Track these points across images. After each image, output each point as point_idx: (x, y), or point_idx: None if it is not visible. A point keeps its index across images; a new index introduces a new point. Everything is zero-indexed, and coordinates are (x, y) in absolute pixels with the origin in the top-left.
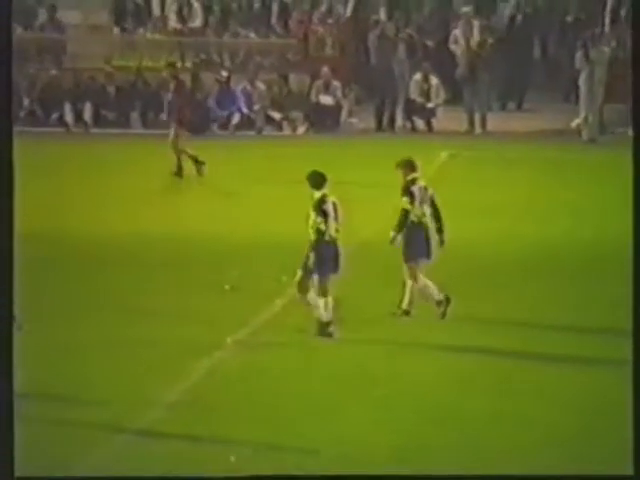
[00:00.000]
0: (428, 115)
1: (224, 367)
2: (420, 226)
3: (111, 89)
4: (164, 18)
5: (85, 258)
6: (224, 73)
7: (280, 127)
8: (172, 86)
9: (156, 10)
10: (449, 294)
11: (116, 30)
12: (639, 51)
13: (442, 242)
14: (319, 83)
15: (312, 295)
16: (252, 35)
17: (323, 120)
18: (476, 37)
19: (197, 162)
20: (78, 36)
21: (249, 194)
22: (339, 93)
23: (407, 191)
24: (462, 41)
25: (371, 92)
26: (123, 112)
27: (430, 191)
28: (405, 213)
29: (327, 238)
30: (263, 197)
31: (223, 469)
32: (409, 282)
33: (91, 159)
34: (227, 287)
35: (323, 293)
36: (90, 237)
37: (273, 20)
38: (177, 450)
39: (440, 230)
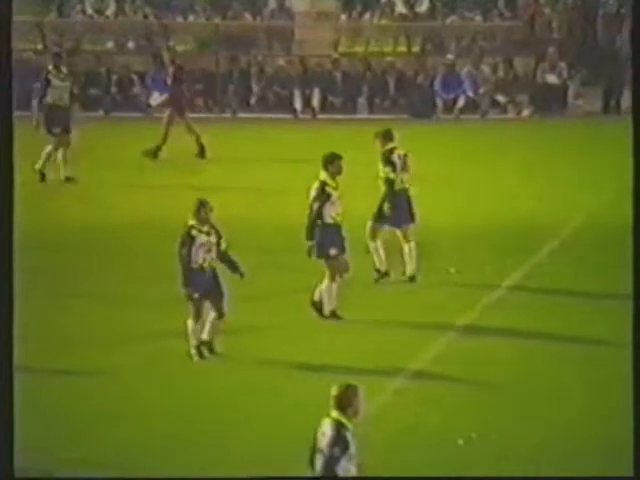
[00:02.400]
0: None
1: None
2: (403, 193)
3: (338, 75)
4: (391, 3)
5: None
6: (450, 56)
7: (505, 110)
8: (171, 71)
9: None
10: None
11: (343, 16)
12: (638, 46)
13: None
14: (545, 65)
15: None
16: (478, 18)
17: (549, 102)
18: None
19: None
20: (306, 23)
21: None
22: (565, 74)
23: (388, 161)
24: None
25: (597, 73)
26: (350, 98)
27: (410, 159)
28: (389, 182)
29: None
30: (473, 182)
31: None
32: (406, 246)
33: (319, 145)
34: (452, 270)
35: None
36: None
37: (500, 3)
38: None
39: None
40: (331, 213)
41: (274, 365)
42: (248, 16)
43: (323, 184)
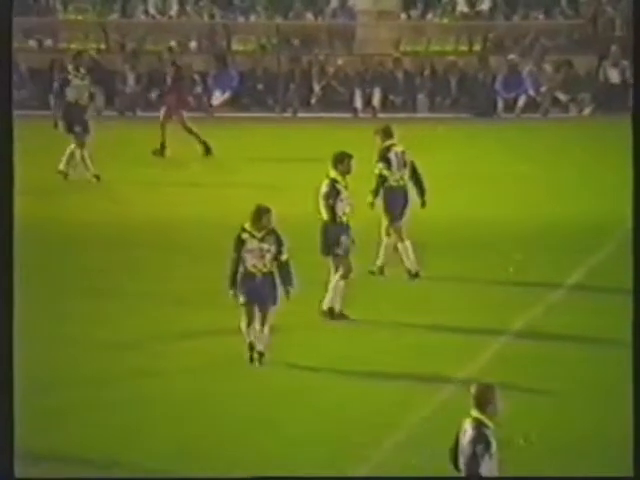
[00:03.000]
0: None
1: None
2: (400, 190)
3: (399, 74)
4: (453, 2)
5: None
6: (512, 56)
7: (566, 109)
8: (171, 71)
9: None
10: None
11: (404, 15)
12: (639, 45)
13: (423, 203)
14: (607, 63)
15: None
16: (540, 17)
17: (610, 101)
18: None
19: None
20: (368, 22)
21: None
22: (628, 73)
23: (383, 157)
24: None
25: None
26: (410, 97)
27: (409, 156)
28: (380, 179)
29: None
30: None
31: None
32: (400, 245)
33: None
34: (511, 270)
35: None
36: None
37: (563, 2)
38: None
39: (421, 193)
40: (342, 211)
41: (310, 368)
42: (310, 16)
43: (333, 181)
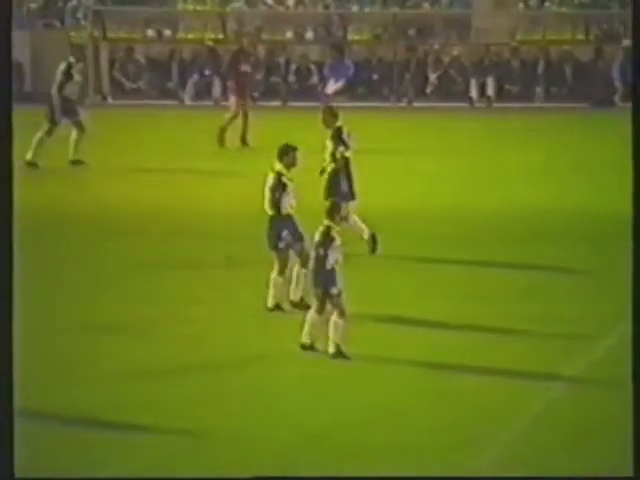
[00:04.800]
0: None
1: None
2: (348, 170)
3: (515, 63)
4: None
5: None
6: (627, 42)
7: None
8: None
9: None
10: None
11: (521, 5)
12: (639, 44)
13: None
14: None
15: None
16: None
17: None
18: None
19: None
20: (484, 11)
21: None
22: None
23: (340, 139)
24: None
25: None
26: (526, 86)
27: (352, 136)
28: (346, 160)
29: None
30: None
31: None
32: (351, 219)
33: (494, 133)
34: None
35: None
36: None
37: None
38: None
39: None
40: (287, 204)
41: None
42: (426, 5)
43: (279, 174)
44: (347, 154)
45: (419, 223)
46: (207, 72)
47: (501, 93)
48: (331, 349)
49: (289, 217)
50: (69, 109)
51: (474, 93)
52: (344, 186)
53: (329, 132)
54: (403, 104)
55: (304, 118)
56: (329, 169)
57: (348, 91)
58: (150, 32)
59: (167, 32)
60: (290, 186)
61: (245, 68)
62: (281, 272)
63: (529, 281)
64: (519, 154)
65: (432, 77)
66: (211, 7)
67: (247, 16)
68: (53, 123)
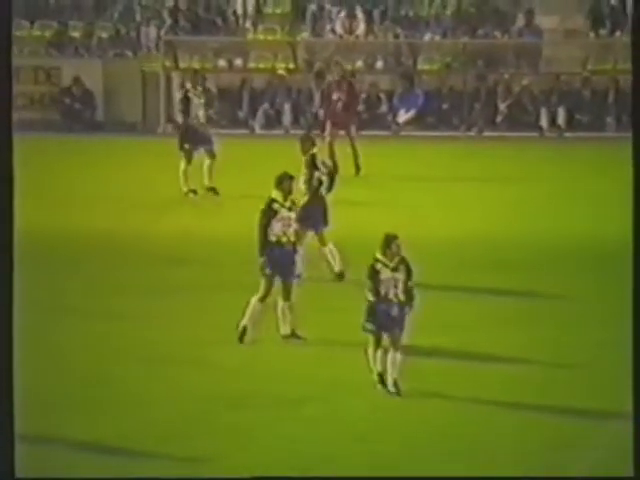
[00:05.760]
0: None
1: None
2: (322, 198)
3: (586, 93)
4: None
5: None
6: None
7: None
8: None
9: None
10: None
11: (592, 34)
12: (639, 52)
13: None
14: None
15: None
16: None
17: None
18: None
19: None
20: (555, 41)
21: None
22: None
23: (315, 165)
24: None
25: None
26: (597, 116)
27: (327, 161)
28: (320, 184)
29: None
30: None
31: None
32: (326, 248)
33: (564, 163)
34: None
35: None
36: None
37: None
38: None
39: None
40: (275, 231)
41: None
42: (496, 34)
43: (272, 201)
44: (323, 179)
45: (491, 250)
46: (278, 101)
47: (571, 123)
48: (390, 385)
49: (279, 244)
50: (196, 135)
51: (544, 122)
52: (318, 214)
53: (303, 159)
54: (473, 133)
55: (373, 147)
56: (306, 198)
57: (418, 120)
58: (221, 62)
59: (238, 61)
60: (283, 213)
61: (337, 96)
62: (262, 299)
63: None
64: (589, 183)
65: (502, 106)
66: (281, 37)
67: (318, 45)
68: (183, 151)
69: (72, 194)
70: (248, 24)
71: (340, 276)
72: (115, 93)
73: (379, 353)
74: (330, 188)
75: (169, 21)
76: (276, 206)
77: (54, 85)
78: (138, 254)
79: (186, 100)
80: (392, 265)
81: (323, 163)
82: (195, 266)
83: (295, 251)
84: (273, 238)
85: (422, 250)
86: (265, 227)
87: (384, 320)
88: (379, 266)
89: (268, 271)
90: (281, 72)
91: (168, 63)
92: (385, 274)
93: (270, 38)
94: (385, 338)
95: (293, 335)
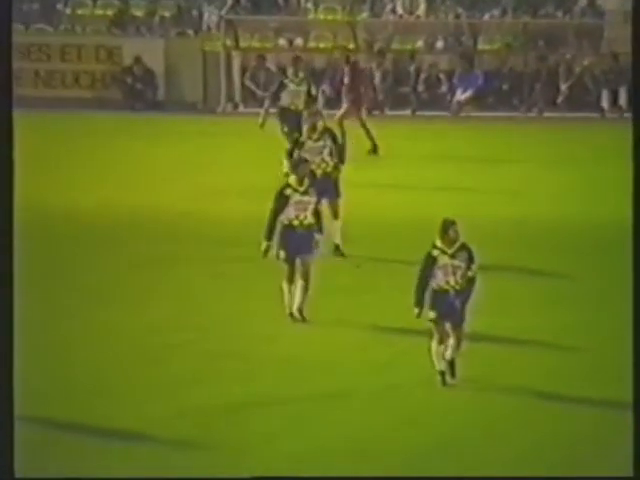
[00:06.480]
0: None
1: None
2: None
3: None
4: None
5: None
6: None
7: None
8: (347, 70)
9: None
10: None
11: None
12: (639, 44)
13: None
14: None
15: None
16: None
17: None
18: None
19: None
20: (616, 21)
21: None
22: None
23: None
24: None
25: None
26: None
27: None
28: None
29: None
30: None
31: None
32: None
33: (624, 143)
34: None
35: None
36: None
37: None
38: None
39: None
40: (288, 215)
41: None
42: (558, 14)
43: (286, 186)
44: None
45: (549, 233)
46: (337, 80)
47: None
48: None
49: (291, 227)
50: (292, 120)
51: (605, 103)
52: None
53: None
54: (533, 114)
55: (433, 128)
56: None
57: (477, 101)
58: (281, 41)
59: (298, 41)
60: (296, 197)
61: (343, 77)
62: (289, 280)
63: None
64: None
65: (563, 87)
66: (342, 17)
67: (377, 25)
68: (285, 135)
69: (137, 172)
70: (309, 4)
71: (337, 249)
72: (176, 72)
73: (441, 349)
74: (340, 159)
75: (230, 0)
76: (288, 191)
77: (116, 64)
78: (206, 237)
79: (282, 86)
80: (451, 251)
81: (327, 130)
82: (247, 248)
83: (311, 234)
84: (286, 222)
85: (482, 232)
86: (274, 212)
87: (444, 308)
88: (436, 252)
89: (283, 254)
90: (340, 52)
91: (229, 42)
92: (443, 260)
93: (330, 18)
94: (447, 327)
95: (300, 314)
